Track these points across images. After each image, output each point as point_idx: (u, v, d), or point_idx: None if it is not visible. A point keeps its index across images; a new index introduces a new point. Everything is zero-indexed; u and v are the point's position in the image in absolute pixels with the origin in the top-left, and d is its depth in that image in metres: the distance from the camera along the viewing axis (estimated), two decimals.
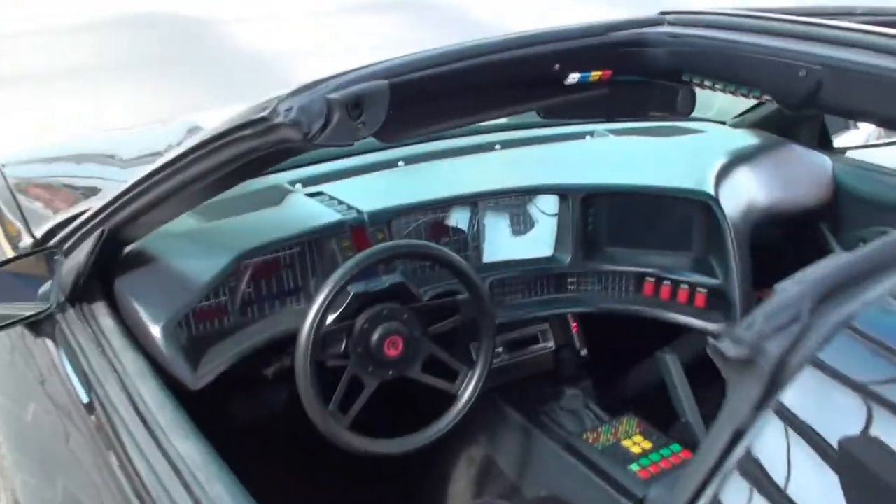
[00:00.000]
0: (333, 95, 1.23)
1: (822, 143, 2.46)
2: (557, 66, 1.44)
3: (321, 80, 1.28)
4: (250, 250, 1.74)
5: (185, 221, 1.77)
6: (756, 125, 2.53)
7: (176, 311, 1.64)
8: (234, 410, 2.16)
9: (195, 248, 1.78)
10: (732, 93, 1.42)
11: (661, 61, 1.47)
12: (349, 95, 1.24)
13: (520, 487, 2.10)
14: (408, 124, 1.35)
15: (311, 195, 2.00)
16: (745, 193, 2.09)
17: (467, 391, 1.80)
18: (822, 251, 2.34)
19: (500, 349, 2.19)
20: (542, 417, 2.07)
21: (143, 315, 1.63)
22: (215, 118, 2.92)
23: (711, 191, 1.98)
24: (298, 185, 2.05)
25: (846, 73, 1.20)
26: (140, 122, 4.05)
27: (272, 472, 2.25)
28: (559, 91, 1.49)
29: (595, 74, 1.48)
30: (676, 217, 2.02)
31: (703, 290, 1.97)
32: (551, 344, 2.26)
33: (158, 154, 2.64)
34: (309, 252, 1.84)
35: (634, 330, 2.17)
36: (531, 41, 1.41)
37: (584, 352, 2.26)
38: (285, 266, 1.83)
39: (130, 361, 1.53)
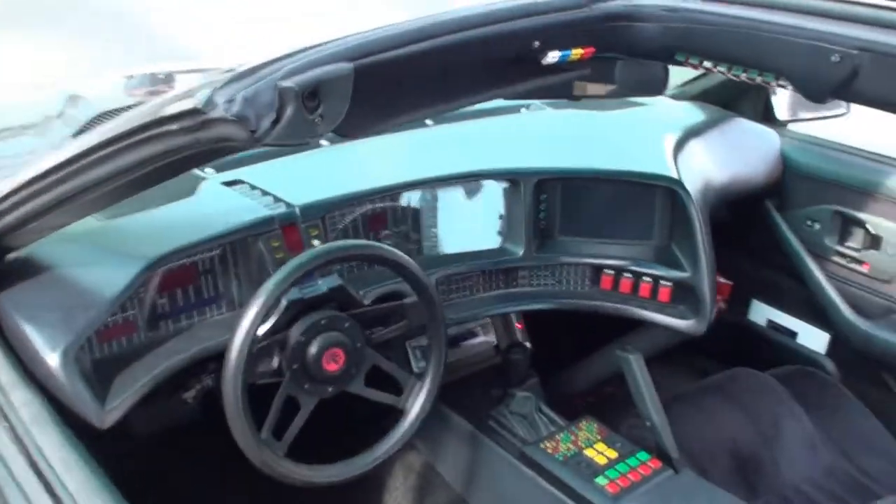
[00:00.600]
0: (285, 83, 1.00)
1: (766, 116, 2.35)
2: (537, 44, 1.23)
3: (268, 62, 1.03)
4: (163, 256, 1.47)
5: (81, 221, 1.48)
6: (697, 97, 2.39)
7: (77, 333, 1.35)
8: (133, 422, 1.88)
9: (95, 254, 1.49)
10: (736, 77, 1.25)
11: (653, 38, 1.28)
12: (305, 83, 1.00)
13: (467, 501, 1.92)
14: (372, 116, 1.12)
15: (229, 184, 1.73)
16: (702, 174, 1.94)
17: (416, 405, 1.60)
18: (768, 230, 2.24)
19: None
20: (490, 423, 1.89)
21: (36, 339, 1.34)
22: (97, 86, 2.62)
23: (674, 174, 1.82)
24: (211, 171, 1.78)
25: (890, 60, 1.04)
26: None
27: (180, 490, 2.00)
28: (536, 72, 1.28)
29: (576, 53, 1.28)
30: (636, 203, 1.85)
31: (668, 284, 1.81)
32: (492, 338, 2.08)
33: (34, 126, 2.33)
34: (232, 254, 1.59)
35: (579, 322, 2.01)
36: (510, 14, 1.19)
37: (527, 344, 2.08)
38: (204, 271, 1.57)
39: (23, 402, 1.25)
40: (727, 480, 1.81)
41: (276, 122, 1.00)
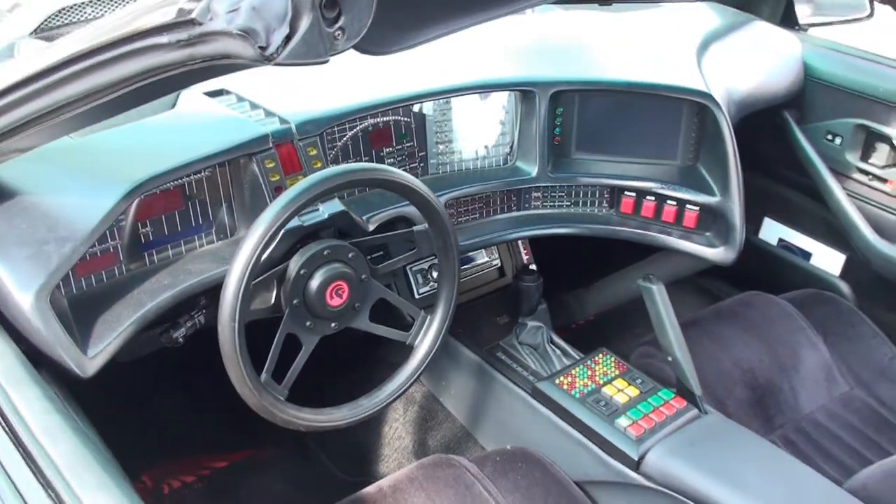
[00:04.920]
0: None
1: (785, 18, 2.18)
2: None
3: None
4: (148, 179, 1.29)
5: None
6: None
7: (50, 271, 1.18)
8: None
9: (69, 177, 1.31)
10: None
11: None
12: None
13: (473, 435, 1.81)
14: (398, 30, 0.94)
15: (213, 94, 1.55)
16: (724, 85, 1.78)
17: (426, 340, 1.47)
18: (785, 143, 2.09)
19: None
20: (499, 354, 1.76)
21: (5, 280, 1.18)
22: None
23: (704, 86, 1.65)
24: None
25: None
26: None
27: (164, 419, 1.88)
28: None
29: None
30: (661, 119, 1.70)
31: (695, 208, 1.68)
32: (496, 259, 1.94)
33: None
34: (222, 176, 1.42)
35: (591, 244, 1.87)
36: None
37: (532, 266, 1.95)
38: (191, 196, 1.40)
39: None
40: (743, 413, 1.72)
41: (289, 36, 0.82)
